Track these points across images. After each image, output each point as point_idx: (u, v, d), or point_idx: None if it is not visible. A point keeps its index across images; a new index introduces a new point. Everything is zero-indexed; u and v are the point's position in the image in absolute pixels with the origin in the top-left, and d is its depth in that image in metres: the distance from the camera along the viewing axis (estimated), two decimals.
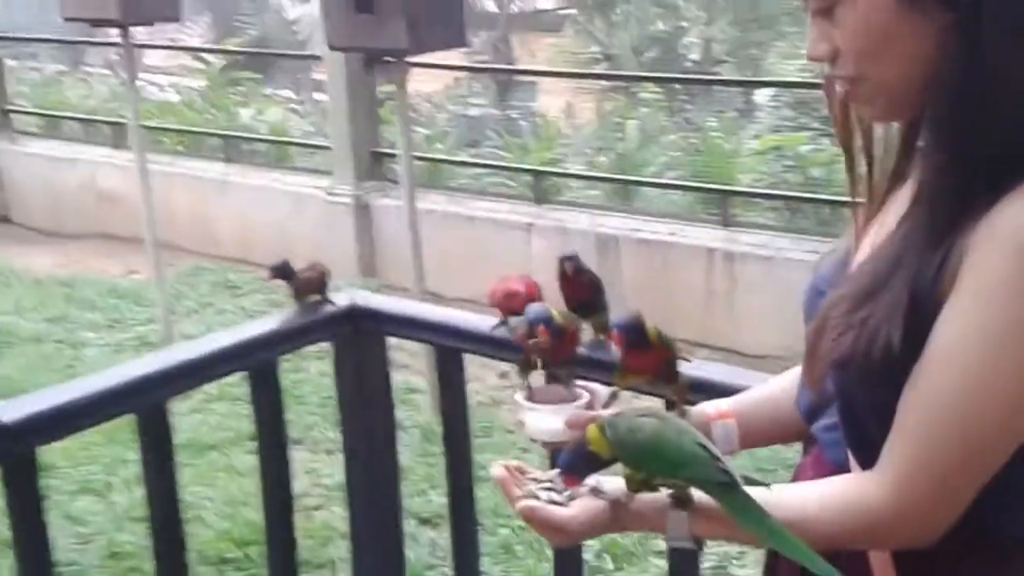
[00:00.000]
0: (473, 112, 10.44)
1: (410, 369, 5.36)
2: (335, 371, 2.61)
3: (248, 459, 4.75)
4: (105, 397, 2.14)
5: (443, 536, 4.22)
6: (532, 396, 1.72)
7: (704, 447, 1.31)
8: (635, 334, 1.62)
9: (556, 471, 1.39)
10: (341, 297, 2.57)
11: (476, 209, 7.48)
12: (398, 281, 6.98)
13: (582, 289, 2.12)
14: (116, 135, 8.84)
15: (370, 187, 7.81)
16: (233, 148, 8.71)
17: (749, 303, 6.33)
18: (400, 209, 5.71)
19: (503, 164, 8.20)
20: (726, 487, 1.29)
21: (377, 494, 2.63)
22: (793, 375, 1.64)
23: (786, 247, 6.33)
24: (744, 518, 1.27)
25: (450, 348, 2.43)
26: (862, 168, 1.42)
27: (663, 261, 6.58)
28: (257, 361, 2.40)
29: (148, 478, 2.23)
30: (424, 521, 4.33)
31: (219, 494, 4.51)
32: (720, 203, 6.81)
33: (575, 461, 1.37)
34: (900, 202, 1.33)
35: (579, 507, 1.35)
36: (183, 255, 7.96)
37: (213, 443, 4.98)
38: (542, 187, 7.44)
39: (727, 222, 6.68)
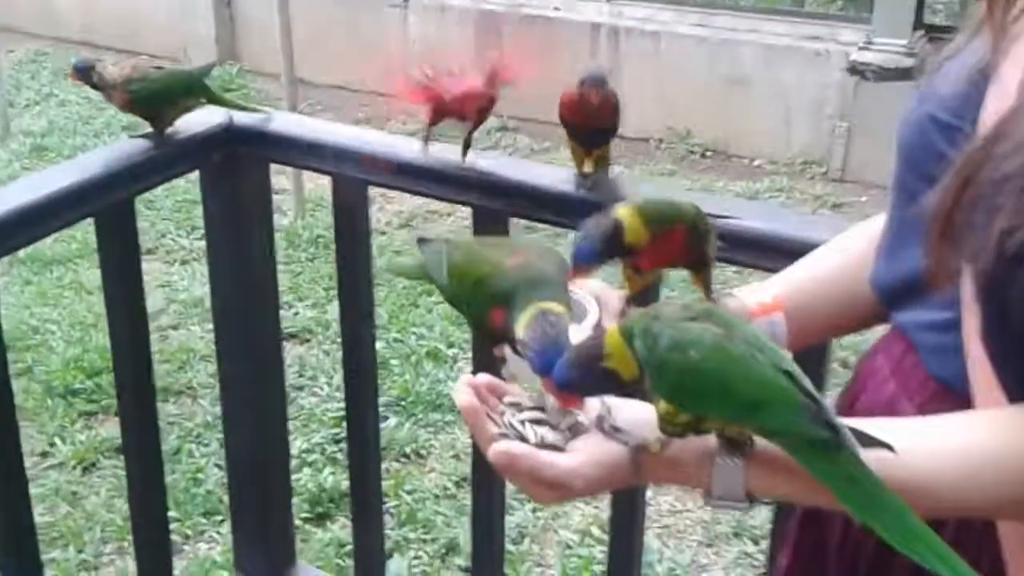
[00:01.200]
0: None
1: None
2: (204, 203, 2.15)
3: (99, 274, 4.39)
4: None
5: (311, 353, 3.96)
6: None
7: (792, 376, 0.89)
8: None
9: (550, 396, 1.00)
10: (214, 114, 2.03)
11: None
12: (263, 66, 6.49)
13: (604, 116, 1.65)
14: None
15: None
16: None
17: (633, 81, 6.03)
18: None
19: None
20: (826, 446, 0.87)
21: (249, 319, 2.27)
22: (857, 238, 1.24)
23: (672, 20, 5.99)
24: (849, 494, 0.87)
25: (353, 179, 1.97)
26: None
27: (547, 39, 6.19)
28: (107, 204, 1.94)
29: None
30: (291, 336, 4.03)
31: (66, 316, 4.14)
32: None
33: (580, 378, 0.95)
34: None
35: (585, 454, 0.96)
36: (23, 40, 7.28)
37: (57, 256, 4.55)
38: None
39: None
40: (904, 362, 1.10)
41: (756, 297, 1.21)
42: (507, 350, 1.17)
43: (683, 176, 5.49)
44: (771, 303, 1.20)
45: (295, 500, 3.35)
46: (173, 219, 4.77)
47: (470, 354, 3.93)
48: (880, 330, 1.24)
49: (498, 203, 1.83)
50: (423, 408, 3.62)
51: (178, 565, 2.94)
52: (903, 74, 5.19)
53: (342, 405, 3.56)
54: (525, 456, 0.95)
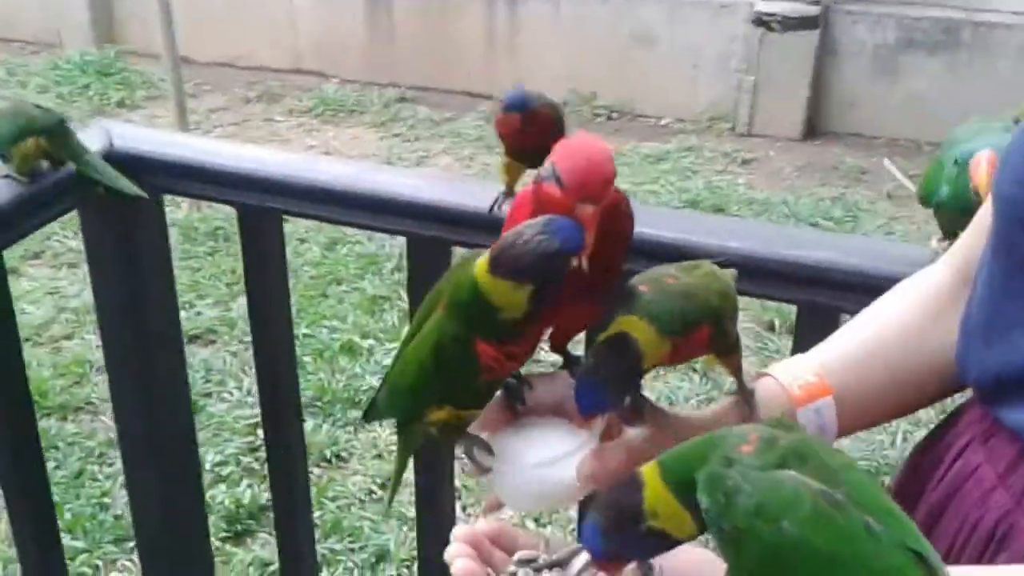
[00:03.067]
0: None
1: None
2: (86, 246, 1.83)
3: None
4: None
5: (218, 356, 3.73)
6: (494, 425, 0.98)
7: (924, 559, 0.67)
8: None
9: (573, 546, 0.80)
10: (92, 138, 1.69)
11: None
12: (143, 46, 6.17)
13: (542, 134, 1.42)
14: None
15: None
16: None
17: (533, 46, 5.85)
18: None
19: None
20: None
21: (147, 372, 1.96)
22: (905, 299, 1.04)
23: None
24: None
25: (262, 210, 1.68)
26: None
27: (440, 4, 5.98)
28: None
29: None
30: (194, 339, 3.79)
31: None
32: None
33: (620, 547, 0.74)
34: None
35: None
36: None
37: None
38: None
39: None
40: (1018, 471, 0.90)
41: (797, 378, 0.98)
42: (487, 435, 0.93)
43: None
44: (816, 383, 0.98)
45: (211, 519, 3.14)
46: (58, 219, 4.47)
47: (387, 345, 3.75)
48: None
49: (436, 231, 1.59)
50: (341, 407, 3.43)
51: None
52: (808, 23, 5.10)
53: (255, 411, 3.36)
54: None
